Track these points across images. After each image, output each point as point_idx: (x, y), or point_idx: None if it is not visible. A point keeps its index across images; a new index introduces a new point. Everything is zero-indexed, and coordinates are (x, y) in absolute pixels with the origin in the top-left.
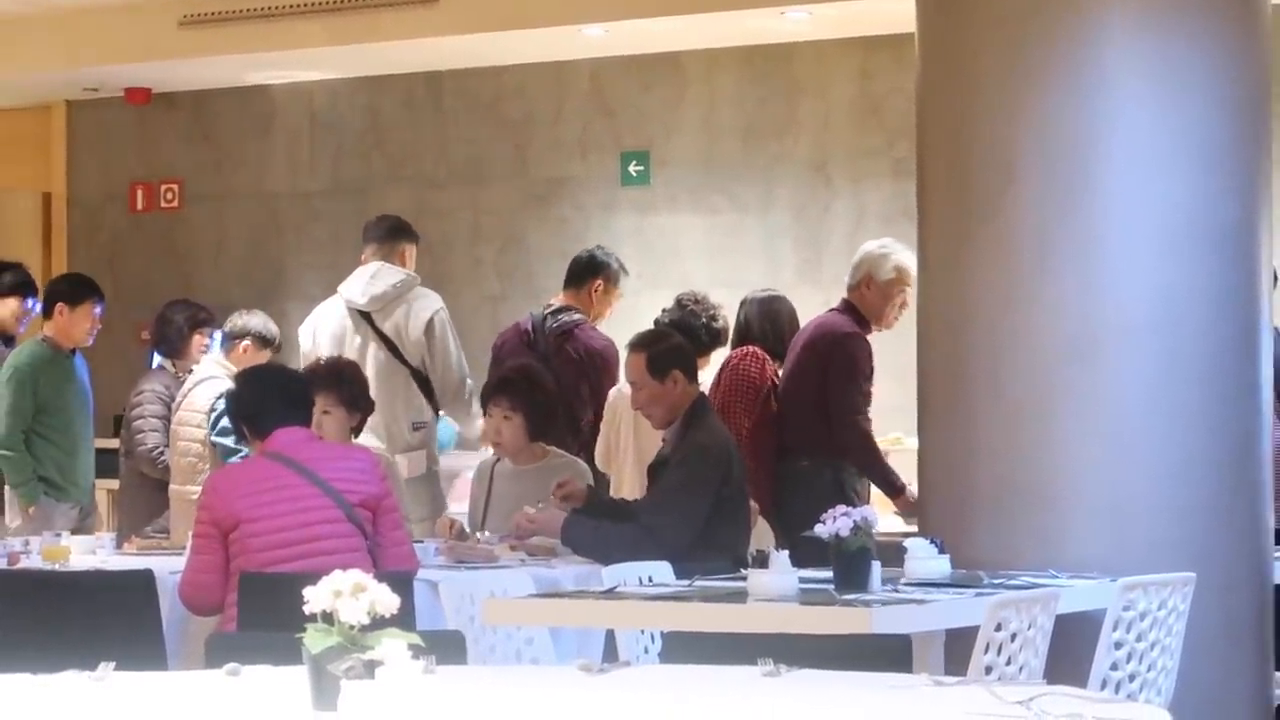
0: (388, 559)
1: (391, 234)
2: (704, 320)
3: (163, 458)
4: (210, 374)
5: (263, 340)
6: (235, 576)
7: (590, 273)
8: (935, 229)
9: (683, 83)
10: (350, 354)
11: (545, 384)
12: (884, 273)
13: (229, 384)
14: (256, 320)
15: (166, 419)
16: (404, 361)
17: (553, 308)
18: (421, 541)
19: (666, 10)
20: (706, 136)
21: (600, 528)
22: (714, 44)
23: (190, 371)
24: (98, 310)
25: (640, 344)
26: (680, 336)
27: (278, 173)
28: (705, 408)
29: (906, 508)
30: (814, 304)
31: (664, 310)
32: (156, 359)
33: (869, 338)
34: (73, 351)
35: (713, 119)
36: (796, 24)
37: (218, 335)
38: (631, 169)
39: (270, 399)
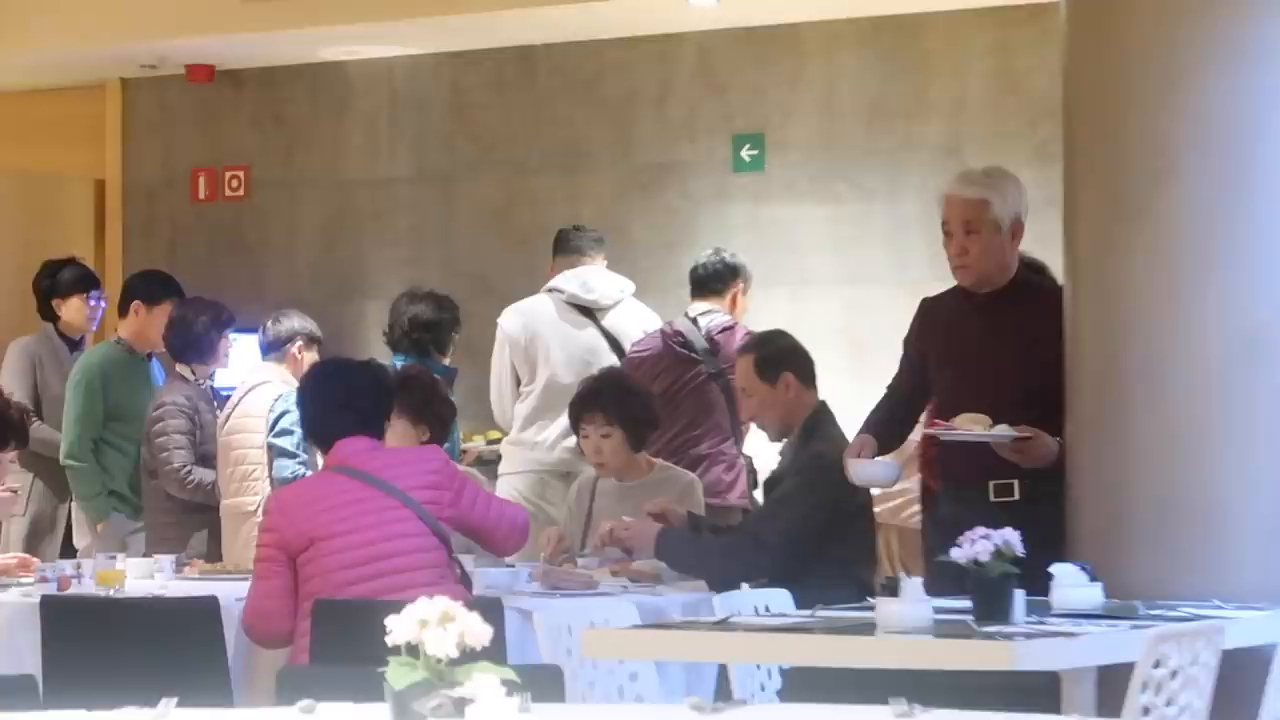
0: (497, 533)
1: (596, 244)
2: None
3: (191, 477)
4: (263, 379)
5: (311, 338)
6: (308, 602)
7: (731, 277)
8: (1084, 220)
9: (801, 58)
10: (571, 346)
11: (638, 388)
12: None
13: (285, 387)
14: (297, 320)
15: (192, 433)
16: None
17: (701, 310)
18: (512, 566)
19: None
20: (827, 117)
21: (699, 538)
22: (835, 15)
23: (212, 378)
24: None
25: (748, 345)
26: (793, 337)
27: (354, 158)
28: (827, 418)
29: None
30: None
31: None
32: (176, 366)
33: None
34: (149, 355)
35: (834, 98)
36: None
37: (239, 338)
38: (745, 153)
39: (332, 407)
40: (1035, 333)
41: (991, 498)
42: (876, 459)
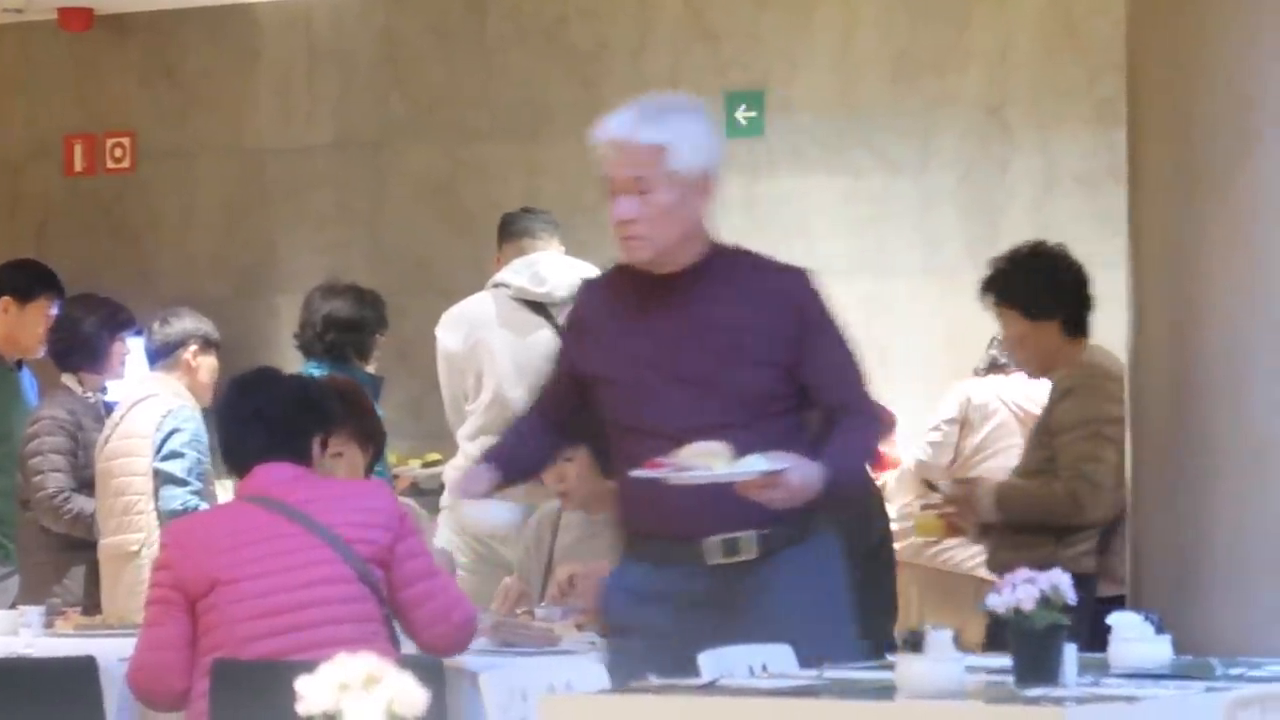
0: (422, 611)
1: (549, 227)
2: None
3: (69, 505)
4: (150, 392)
5: (207, 341)
6: (207, 658)
7: None
8: (1154, 196)
9: None
10: (520, 352)
11: None
12: None
13: (176, 401)
14: (190, 321)
15: (74, 453)
16: None
17: None
18: None
19: None
20: (843, 71)
21: None
22: None
23: (104, 391)
24: (54, 310)
25: None
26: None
27: (264, 122)
28: None
29: None
30: None
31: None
32: (61, 375)
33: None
34: (19, 364)
35: (851, 47)
36: None
37: (133, 343)
38: (740, 115)
39: (243, 421)
40: (748, 323)
41: (719, 559)
42: (491, 500)
